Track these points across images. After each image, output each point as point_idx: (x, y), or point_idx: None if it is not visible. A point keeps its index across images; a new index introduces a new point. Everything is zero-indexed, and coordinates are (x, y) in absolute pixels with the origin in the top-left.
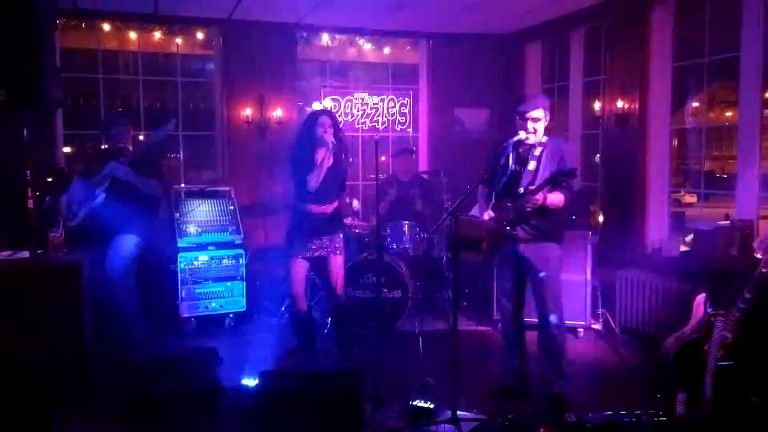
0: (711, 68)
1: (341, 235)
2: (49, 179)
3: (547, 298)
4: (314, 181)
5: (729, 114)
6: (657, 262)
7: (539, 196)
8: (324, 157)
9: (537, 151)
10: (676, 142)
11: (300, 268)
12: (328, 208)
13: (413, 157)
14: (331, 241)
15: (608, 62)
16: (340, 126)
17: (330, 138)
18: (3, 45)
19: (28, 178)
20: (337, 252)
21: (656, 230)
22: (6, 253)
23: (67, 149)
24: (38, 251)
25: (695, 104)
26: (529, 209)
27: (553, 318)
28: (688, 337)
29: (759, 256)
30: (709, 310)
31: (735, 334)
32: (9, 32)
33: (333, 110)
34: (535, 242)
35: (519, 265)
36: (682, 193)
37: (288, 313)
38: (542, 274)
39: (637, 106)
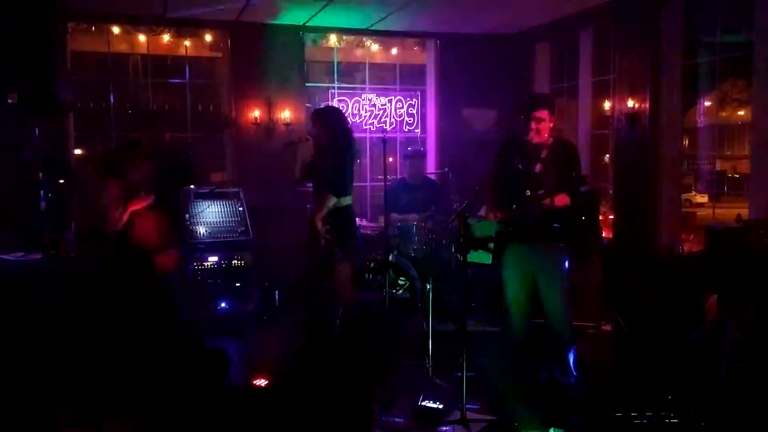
0: (723, 66)
1: (353, 235)
2: (61, 181)
3: (555, 299)
4: (295, 174)
5: (741, 113)
6: (668, 263)
7: (546, 202)
8: (296, 153)
9: (543, 153)
10: (687, 142)
11: (315, 265)
12: (323, 206)
13: (423, 159)
14: (334, 243)
15: (618, 61)
16: (330, 120)
17: (298, 135)
18: (15, 49)
19: (41, 179)
20: (340, 258)
21: (667, 230)
22: (19, 254)
23: (78, 151)
24: (51, 252)
25: (707, 103)
26: (536, 214)
27: (561, 319)
28: (700, 338)
29: None
30: (721, 311)
31: (747, 336)
32: (21, 36)
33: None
34: (543, 243)
35: (526, 267)
36: (694, 193)
37: (305, 312)
38: (550, 275)
39: (647, 105)
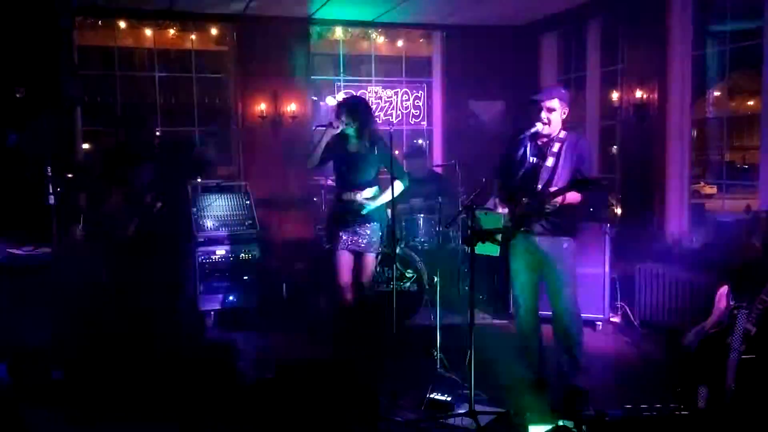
0: (733, 56)
1: (374, 227)
2: (69, 175)
3: (562, 292)
4: (311, 158)
5: (751, 103)
6: (677, 254)
7: (559, 200)
8: (321, 137)
9: (555, 147)
10: (696, 133)
11: (342, 257)
12: (355, 195)
13: (425, 156)
14: (362, 230)
15: (626, 51)
16: (361, 112)
17: (329, 121)
18: (22, 44)
19: (48, 174)
20: (368, 248)
21: (676, 222)
22: (28, 248)
23: (86, 145)
24: (59, 246)
25: (716, 93)
26: (548, 210)
27: (568, 311)
28: (709, 329)
29: None
30: (731, 302)
31: (758, 327)
32: (28, 31)
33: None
34: (550, 236)
35: (533, 259)
36: (702, 184)
37: (336, 305)
38: (557, 268)
39: (656, 96)
